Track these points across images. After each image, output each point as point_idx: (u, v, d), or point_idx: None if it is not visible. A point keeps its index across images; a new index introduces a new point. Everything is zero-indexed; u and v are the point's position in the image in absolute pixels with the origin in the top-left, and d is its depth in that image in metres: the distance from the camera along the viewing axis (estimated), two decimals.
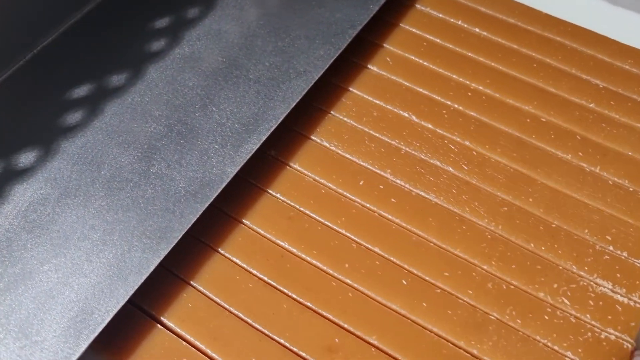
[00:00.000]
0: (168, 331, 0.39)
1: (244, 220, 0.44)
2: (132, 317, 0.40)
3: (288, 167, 0.47)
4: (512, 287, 0.42)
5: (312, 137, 0.48)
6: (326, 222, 0.44)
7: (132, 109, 0.46)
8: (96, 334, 0.36)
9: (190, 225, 0.40)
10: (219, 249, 0.43)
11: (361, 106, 0.50)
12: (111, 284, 0.38)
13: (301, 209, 0.45)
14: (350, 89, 0.51)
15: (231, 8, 0.52)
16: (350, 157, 0.47)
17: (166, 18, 0.51)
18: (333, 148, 0.48)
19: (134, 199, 0.41)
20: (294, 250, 0.43)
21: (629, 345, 0.39)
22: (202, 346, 0.39)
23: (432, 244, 0.43)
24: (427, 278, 0.42)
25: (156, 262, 0.39)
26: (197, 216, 0.41)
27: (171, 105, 0.46)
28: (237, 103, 0.46)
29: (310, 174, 0.46)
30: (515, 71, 0.53)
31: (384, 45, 0.54)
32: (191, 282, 0.41)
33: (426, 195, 0.46)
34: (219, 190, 0.42)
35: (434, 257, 0.43)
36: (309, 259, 0.43)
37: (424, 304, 0.41)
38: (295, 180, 0.46)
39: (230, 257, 0.42)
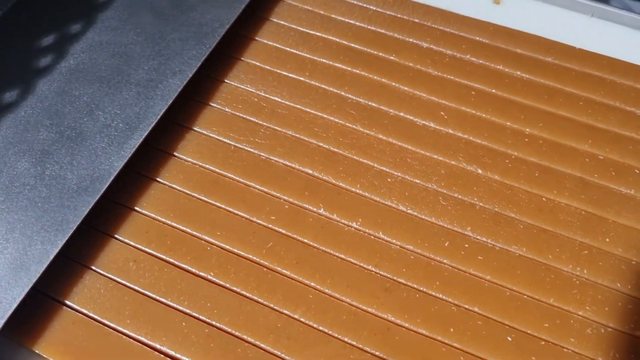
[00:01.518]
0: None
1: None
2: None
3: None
4: (610, 329, 0.43)
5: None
6: (422, 289, 0.45)
7: (25, 121, 0.51)
8: (5, 319, 0.41)
9: (84, 216, 0.46)
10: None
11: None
12: (15, 275, 0.43)
13: (395, 278, 0.46)
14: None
15: (110, 20, 0.57)
16: (428, 219, 0.48)
17: (52, 34, 0.56)
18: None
19: (32, 199, 0.46)
20: (399, 322, 0.44)
21: None
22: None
23: (525, 296, 0.45)
24: (529, 332, 0.43)
25: (55, 251, 0.44)
26: (90, 208, 0.46)
27: (61, 114, 0.51)
28: (121, 105, 0.51)
29: (396, 241, 0.47)
30: (564, 111, 0.54)
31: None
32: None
33: (509, 249, 0.47)
34: (108, 183, 0.47)
35: (531, 309, 0.44)
36: (414, 328, 0.44)
37: (533, 359, 0.42)
38: (387, 250, 0.47)
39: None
